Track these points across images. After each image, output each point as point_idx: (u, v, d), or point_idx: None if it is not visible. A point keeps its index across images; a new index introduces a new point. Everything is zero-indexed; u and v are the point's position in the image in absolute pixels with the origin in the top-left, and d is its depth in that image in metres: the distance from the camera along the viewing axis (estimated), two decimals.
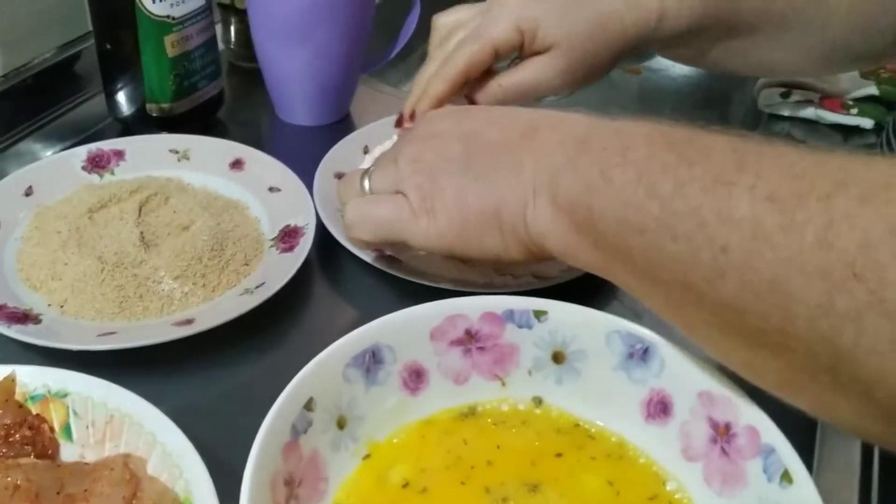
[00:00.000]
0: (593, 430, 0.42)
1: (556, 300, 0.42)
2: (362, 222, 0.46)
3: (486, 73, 0.53)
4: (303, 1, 0.60)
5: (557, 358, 0.42)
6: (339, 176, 0.58)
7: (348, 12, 0.62)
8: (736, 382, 0.38)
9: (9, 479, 0.33)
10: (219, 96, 0.66)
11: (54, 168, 0.56)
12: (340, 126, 0.69)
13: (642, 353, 0.41)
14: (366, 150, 0.61)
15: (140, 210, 0.53)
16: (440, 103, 0.52)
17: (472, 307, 0.42)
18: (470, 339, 0.42)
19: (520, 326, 0.42)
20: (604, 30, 0.51)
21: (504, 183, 0.41)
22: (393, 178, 0.45)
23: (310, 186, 0.55)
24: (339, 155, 0.59)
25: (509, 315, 0.42)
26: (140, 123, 0.63)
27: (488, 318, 0.42)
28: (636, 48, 0.53)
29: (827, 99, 0.75)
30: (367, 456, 0.40)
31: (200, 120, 0.65)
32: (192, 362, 0.45)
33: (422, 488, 0.38)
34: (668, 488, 0.39)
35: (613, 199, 0.35)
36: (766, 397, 0.37)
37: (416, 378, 0.41)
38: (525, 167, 0.41)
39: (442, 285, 0.49)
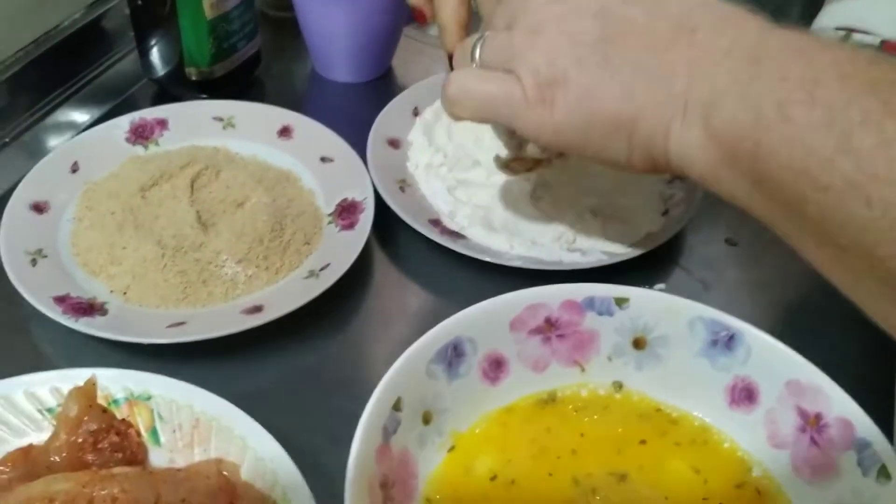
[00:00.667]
0: (675, 415, 0.42)
1: (637, 287, 0.41)
2: (464, 99, 0.40)
3: None
4: None
5: (638, 344, 0.42)
6: (392, 143, 0.56)
7: None
8: (827, 373, 0.38)
9: (105, 491, 0.33)
10: (257, 55, 0.64)
11: (98, 141, 0.55)
12: (382, 82, 0.67)
13: (727, 341, 0.40)
14: (416, 112, 0.59)
15: (192, 186, 0.51)
16: None
17: (553, 295, 0.41)
18: (549, 328, 0.42)
19: (600, 314, 0.41)
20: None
21: (647, 89, 0.35)
22: (506, 50, 0.38)
23: (360, 151, 0.54)
24: (389, 119, 0.58)
25: (589, 303, 0.41)
26: (176, 84, 0.62)
27: (568, 305, 0.41)
28: None
29: (888, 43, 0.72)
30: (453, 448, 0.40)
31: (239, 80, 0.63)
32: (255, 348, 0.45)
33: (510, 480, 0.39)
34: (754, 474, 0.39)
35: (793, 143, 0.30)
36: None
37: (495, 367, 0.41)
38: (677, 76, 0.34)
39: (509, 262, 0.48)
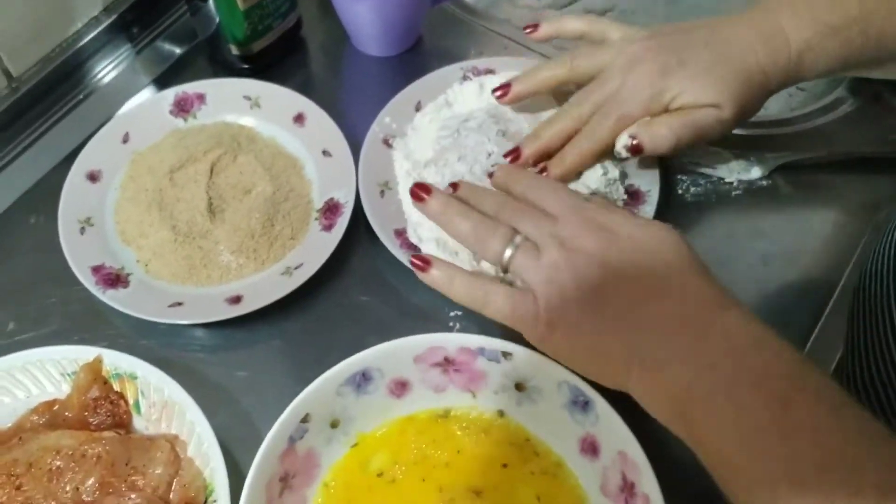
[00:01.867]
0: (540, 449, 0.52)
1: (522, 346, 0.50)
2: (466, 294, 0.49)
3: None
4: None
5: (519, 387, 0.52)
6: (387, 141, 0.64)
7: None
8: (648, 454, 0.47)
9: (94, 450, 0.49)
10: (296, 26, 0.72)
11: (147, 113, 0.66)
12: (411, 54, 0.74)
13: (583, 404, 0.49)
14: (418, 107, 0.66)
15: (211, 171, 0.63)
16: (569, 177, 0.58)
17: (452, 342, 0.51)
18: (448, 363, 0.52)
19: (489, 360, 0.51)
20: (752, 84, 0.55)
21: (616, 339, 0.45)
22: (532, 270, 0.47)
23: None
24: (389, 115, 0.65)
25: (481, 350, 0.51)
26: (221, 53, 0.70)
27: (464, 350, 0.51)
28: (778, 90, 0.57)
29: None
30: (356, 445, 0.52)
31: (277, 52, 0.71)
32: (236, 325, 0.58)
33: (392, 479, 0.51)
34: None
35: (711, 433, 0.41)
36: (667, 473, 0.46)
37: (401, 387, 0.53)
38: (641, 331, 0.45)
39: None
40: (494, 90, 0.61)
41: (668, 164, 0.64)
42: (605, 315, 0.45)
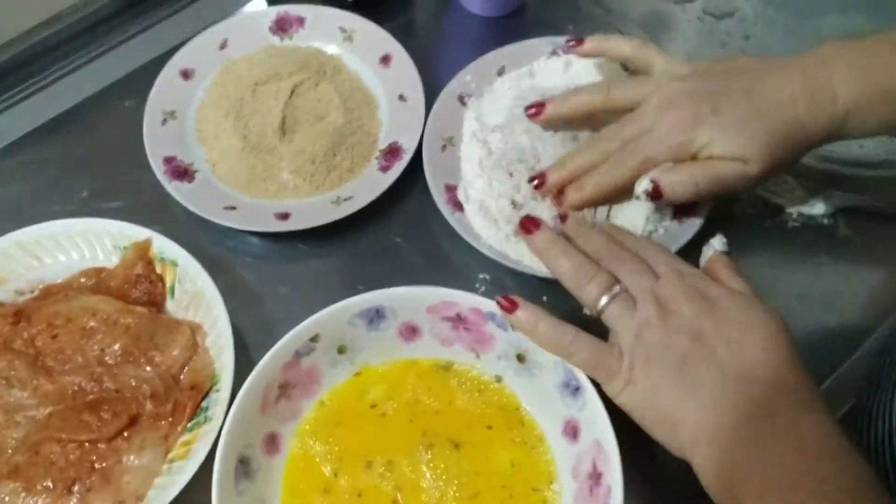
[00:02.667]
0: (526, 419, 0.55)
1: None
2: (551, 339, 0.50)
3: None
4: None
5: (520, 358, 0.54)
6: (462, 98, 0.67)
7: None
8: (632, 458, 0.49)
9: (125, 320, 0.54)
10: None
11: (248, 24, 0.71)
12: (511, 19, 0.76)
13: (575, 389, 0.52)
14: (500, 72, 0.68)
15: (292, 92, 0.66)
16: (584, 206, 0.59)
17: (465, 300, 0.54)
18: (459, 320, 0.55)
19: (498, 326, 0.54)
20: (787, 140, 0.54)
21: (694, 409, 0.45)
22: (624, 324, 0.48)
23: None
24: (473, 75, 0.67)
25: (491, 316, 0.54)
26: None
27: (475, 311, 0.54)
28: (819, 146, 0.57)
29: None
30: (358, 374, 0.56)
31: None
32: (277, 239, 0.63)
33: (383, 412, 0.55)
34: (552, 488, 0.52)
35: None
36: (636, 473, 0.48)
37: (410, 332, 0.56)
38: (710, 410, 0.45)
39: (479, 248, 0.60)
40: (527, 108, 0.61)
41: None
42: (685, 385, 0.46)
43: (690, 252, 0.60)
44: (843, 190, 0.65)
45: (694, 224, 0.61)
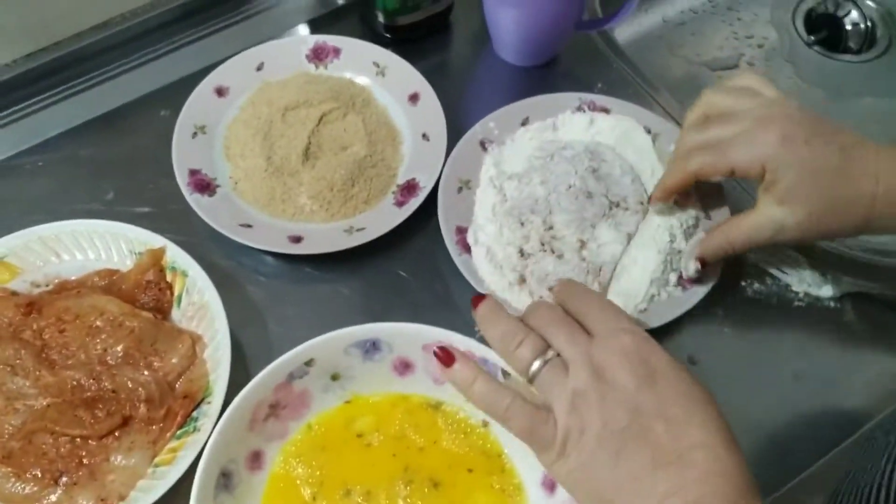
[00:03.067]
0: (507, 467, 0.56)
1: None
2: (486, 399, 0.48)
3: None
4: None
5: None
6: (483, 143, 0.69)
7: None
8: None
9: (129, 323, 0.56)
10: (444, 13, 0.77)
11: (286, 50, 0.73)
12: (542, 70, 0.77)
13: None
14: (524, 122, 0.70)
15: (320, 120, 0.69)
16: (669, 195, 0.61)
17: (459, 343, 0.55)
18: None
19: (490, 371, 0.55)
20: (849, 211, 0.54)
21: (630, 489, 0.43)
22: (557, 392, 0.46)
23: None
24: (497, 122, 0.69)
25: (484, 360, 0.55)
26: (370, 16, 0.76)
27: (469, 354, 0.55)
28: (874, 232, 0.56)
29: None
30: (349, 402, 0.58)
31: (420, 32, 0.77)
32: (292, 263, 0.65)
33: (368, 443, 0.56)
34: None
35: None
36: None
37: (404, 367, 0.57)
38: (656, 491, 0.42)
39: (479, 289, 0.61)
40: (650, 198, 0.64)
41: (740, 255, 0.65)
42: (619, 465, 0.44)
43: (693, 319, 0.62)
44: (853, 275, 0.65)
45: (698, 292, 0.62)
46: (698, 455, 0.43)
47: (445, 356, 0.49)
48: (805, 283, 0.65)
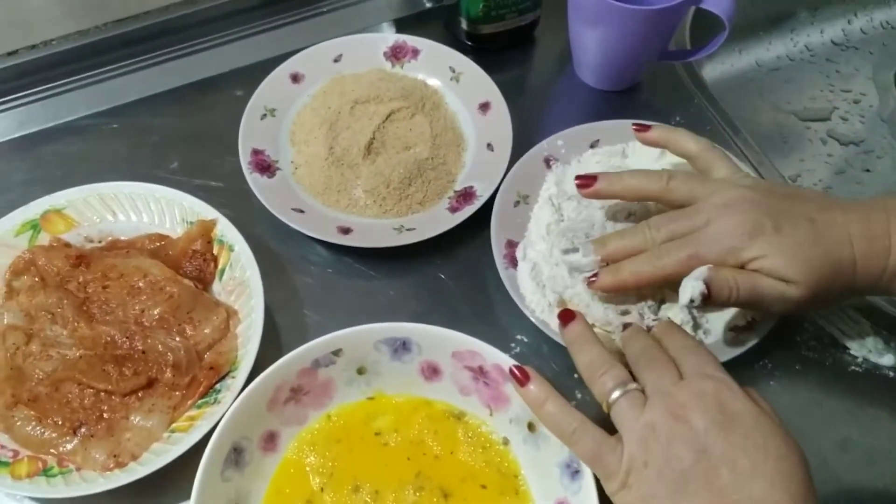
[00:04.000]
0: (521, 490, 0.55)
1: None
2: (556, 420, 0.49)
3: None
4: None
5: (531, 427, 0.55)
6: (548, 160, 0.68)
7: (644, 24, 0.68)
8: None
9: (169, 289, 0.58)
10: (528, 27, 0.77)
11: (365, 45, 0.75)
12: (620, 96, 0.77)
13: (574, 472, 0.51)
14: (594, 145, 0.69)
15: (387, 117, 0.70)
16: (623, 290, 0.58)
17: (489, 354, 0.54)
18: (480, 373, 0.56)
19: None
20: (837, 277, 0.53)
21: None
22: (630, 423, 0.47)
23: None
24: (566, 140, 0.69)
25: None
26: (453, 22, 0.77)
27: (498, 369, 0.55)
28: (861, 294, 0.57)
29: None
30: (371, 398, 0.58)
31: (506, 41, 0.77)
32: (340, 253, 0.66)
33: (385, 443, 0.56)
34: None
35: None
36: None
37: (432, 372, 0.57)
38: None
39: (523, 308, 0.61)
40: (577, 177, 0.60)
41: None
42: (680, 495, 0.44)
43: (740, 366, 0.60)
44: None
45: (749, 339, 0.60)
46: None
47: (521, 375, 0.51)
48: (866, 349, 0.62)
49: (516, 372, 0.51)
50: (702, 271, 0.53)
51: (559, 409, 0.49)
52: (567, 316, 0.53)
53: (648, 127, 0.62)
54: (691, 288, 0.54)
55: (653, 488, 0.45)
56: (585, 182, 0.59)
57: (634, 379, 0.49)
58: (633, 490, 0.46)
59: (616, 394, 0.48)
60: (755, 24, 0.94)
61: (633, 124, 0.62)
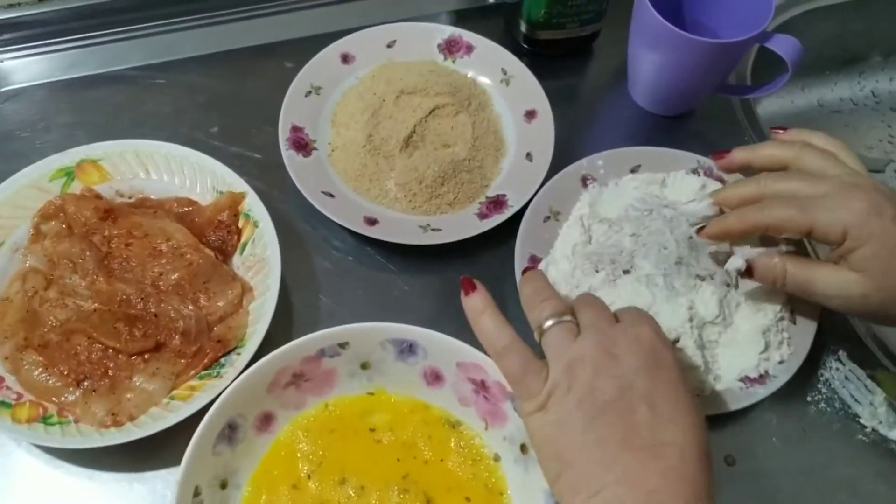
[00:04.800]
0: None
1: None
2: (489, 333, 0.50)
3: None
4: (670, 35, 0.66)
5: (524, 448, 0.55)
6: (585, 179, 0.68)
7: (707, 56, 0.67)
8: None
9: (190, 256, 0.59)
10: (588, 38, 0.76)
11: (420, 35, 0.74)
12: (671, 122, 0.76)
13: None
14: (634, 169, 0.69)
15: (432, 111, 0.69)
16: (727, 237, 0.60)
17: (494, 371, 0.54)
18: (482, 387, 0.56)
19: (516, 409, 0.55)
20: None
21: (587, 459, 0.45)
22: (559, 352, 0.48)
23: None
24: (606, 161, 0.68)
25: (512, 397, 0.54)
26: (514, 24, 0.77)
27: (499, 386, 0.55)
28: None
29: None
30: (372, 393, 0.58)
31: (564, 50, 0.77)
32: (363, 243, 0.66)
33: (377, 440, 0.57)
34: None
35: None
36: None
37: (434, 377, 0.58)
38: (613, 471, 0.44)
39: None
40: (713, 153, 0.62)
41: (823, 366, 0.63)
42: (591, 432, 0.45)
43: (742, 418, 0.59)
44: None
45: (757, 393, 0.59)
46: (669, 451, 0.44)
47: (468, 284, 0.52)
48: (876, 420, 0.61)
49: (465, 282, 0.52)
50: (749, 251, 0.56)
51: (494, 323, 0.50)
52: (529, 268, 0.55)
53: (727, 152, 0.61)
54: (734, 261, 0.58)
55: (570, 413, 0.46)
56: (720, 154, 0.61)
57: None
58: (549, 413, 0.46)
59: (550, 322, 0.48)
60: (824, 64, 0.92)
61: (712, 154, 0.63)
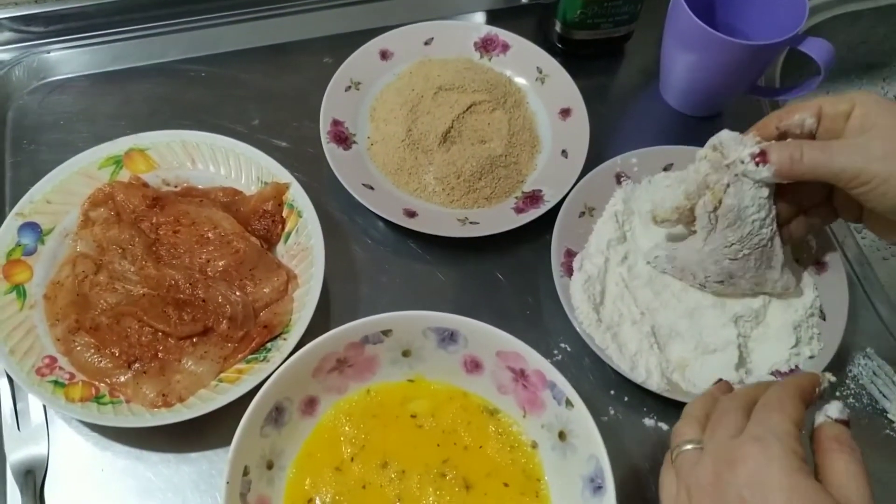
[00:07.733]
0: (543, 494, 0.57)
1: (584, 404, 0.55)
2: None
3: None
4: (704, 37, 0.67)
5: (562, 435, 0.56)
6: (619, 177, 0.69)
7: (740, 57, 0.68)
8: None
9: (236, 244, 0.61)
10: (623, 38, 0.78)
11: (456, 33, 0.76)
12: (701, 122, 0.78)
13: (597, 487, 0.53)
14: (667, 167, 0.70)
15: (468, 108, 0.71)
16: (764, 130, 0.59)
17: (534, 360, 0.56)
18: (521, 375, 0.57)
19: (554, 397, 0.56)
20: None
21: None
22: (680, 474, 0.48)
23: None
24: (640, 159, 0.70)
25: (552, 385, 0.56)
26: (548, 24, 0.78)
27: (538, 374, 0.56)
28: None
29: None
30: (412, 381, 0.60)
31: (597, 49, 0.78)
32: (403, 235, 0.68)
33: (419, 425, 0.59)
34: None
35: None
36: None
37: (474, 365, 0.59)
38: None
39: (573, 323, 0.62)
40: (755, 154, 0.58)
41: (851, 362, 0.64)
42: None
43: None
44: None
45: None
46: None
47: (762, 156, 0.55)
48: None
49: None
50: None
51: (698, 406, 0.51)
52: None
53: (766, 154, 0.57)
54: (747, 148, 0.57)
55: None
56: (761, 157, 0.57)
57: None
58: None
59: (678, 449, 0.49)
60: (849, 69, 0.94)
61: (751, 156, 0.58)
